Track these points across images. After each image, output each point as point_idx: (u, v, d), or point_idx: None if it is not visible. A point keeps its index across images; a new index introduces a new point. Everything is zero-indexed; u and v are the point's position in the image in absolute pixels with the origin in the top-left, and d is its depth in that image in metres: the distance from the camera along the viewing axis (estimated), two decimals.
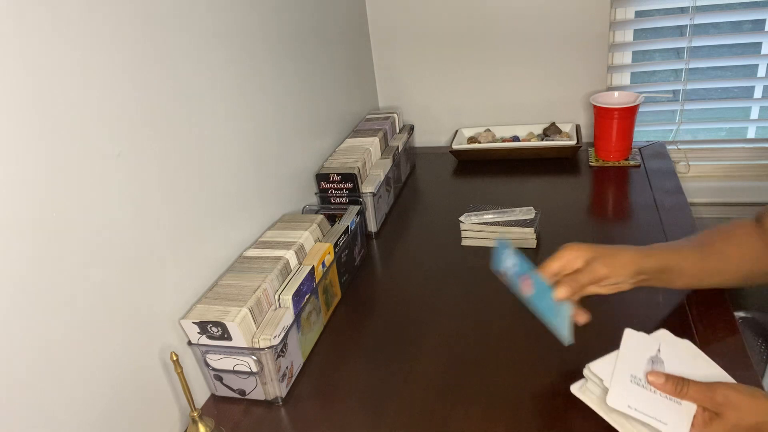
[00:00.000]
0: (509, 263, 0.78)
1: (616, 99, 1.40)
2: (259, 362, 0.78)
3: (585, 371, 0.72)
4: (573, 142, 1.44)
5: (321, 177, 1.20)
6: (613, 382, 0.68)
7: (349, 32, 1.47)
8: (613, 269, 0.74)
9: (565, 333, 0.72)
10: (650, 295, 0.91)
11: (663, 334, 0.74)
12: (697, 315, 0.86)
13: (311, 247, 0.97)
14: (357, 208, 1.12)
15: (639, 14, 1.50)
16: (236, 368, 0.80)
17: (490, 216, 1.14)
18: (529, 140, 1.52)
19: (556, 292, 0.72)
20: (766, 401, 0.63)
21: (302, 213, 1.16)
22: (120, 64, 0.70)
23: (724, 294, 0.88)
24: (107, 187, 0.68)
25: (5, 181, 0.56)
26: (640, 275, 0.77)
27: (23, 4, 0.57)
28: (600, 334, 0.86)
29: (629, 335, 0.73)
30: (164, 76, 0.78)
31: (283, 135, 1.12)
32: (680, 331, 0.84)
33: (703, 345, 0.81)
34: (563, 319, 0.73)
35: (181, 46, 0.81)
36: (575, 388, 0.73)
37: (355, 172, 1.17)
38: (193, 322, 0.78)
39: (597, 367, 0.71)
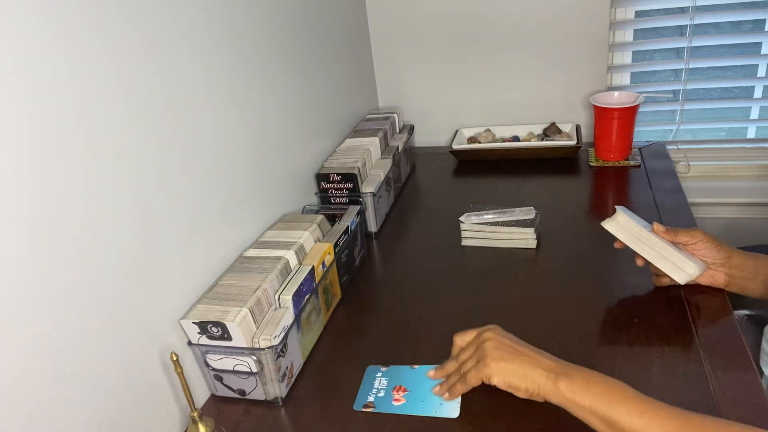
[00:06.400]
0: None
1: (616, 99, 1.40)
2: (259, 362, 0.78)
3: (619, 215, 0.89)
4: (573, 142, 1.44)
5: (321, 177, 1.20)
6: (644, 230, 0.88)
7: (350, 32, 1.47)
8: (707, 239, 0.86)
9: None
10: (649, 296, 0.92)
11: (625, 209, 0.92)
12: (697, 315, 0.86)
13: (311, 247, 0.97)
14: (357, 208, 1.12)
15: (639, 14, 1.50)
16: (236, 368, 0.80)
17: (490, 216, 1.13)
18: (529, 140, 1.52)
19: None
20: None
21: (302, 213, 1.16)
22: (120, 64, 0.70)
23: (724, 294, 0.88)
24: (107, 187, 0.68)
25: (4, 181, 0.56)
26: (730, 268, 0.86)
27: (27, 5, 0.57)
28: (601, 333, 0.86)
29: (623, 209, 0.91)
30: (164, 76, 0.78)
31: (283, 135, 1.12)
32: (680, 330, 0.84)
33: (704, 345, 0.81)
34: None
35: (182, 47, 0.81)
36: (607, 224, 0.91)
37: (355, 172, 1.17)
38: (193, 322, 0.78)
39: (627, 216, 0.89)
